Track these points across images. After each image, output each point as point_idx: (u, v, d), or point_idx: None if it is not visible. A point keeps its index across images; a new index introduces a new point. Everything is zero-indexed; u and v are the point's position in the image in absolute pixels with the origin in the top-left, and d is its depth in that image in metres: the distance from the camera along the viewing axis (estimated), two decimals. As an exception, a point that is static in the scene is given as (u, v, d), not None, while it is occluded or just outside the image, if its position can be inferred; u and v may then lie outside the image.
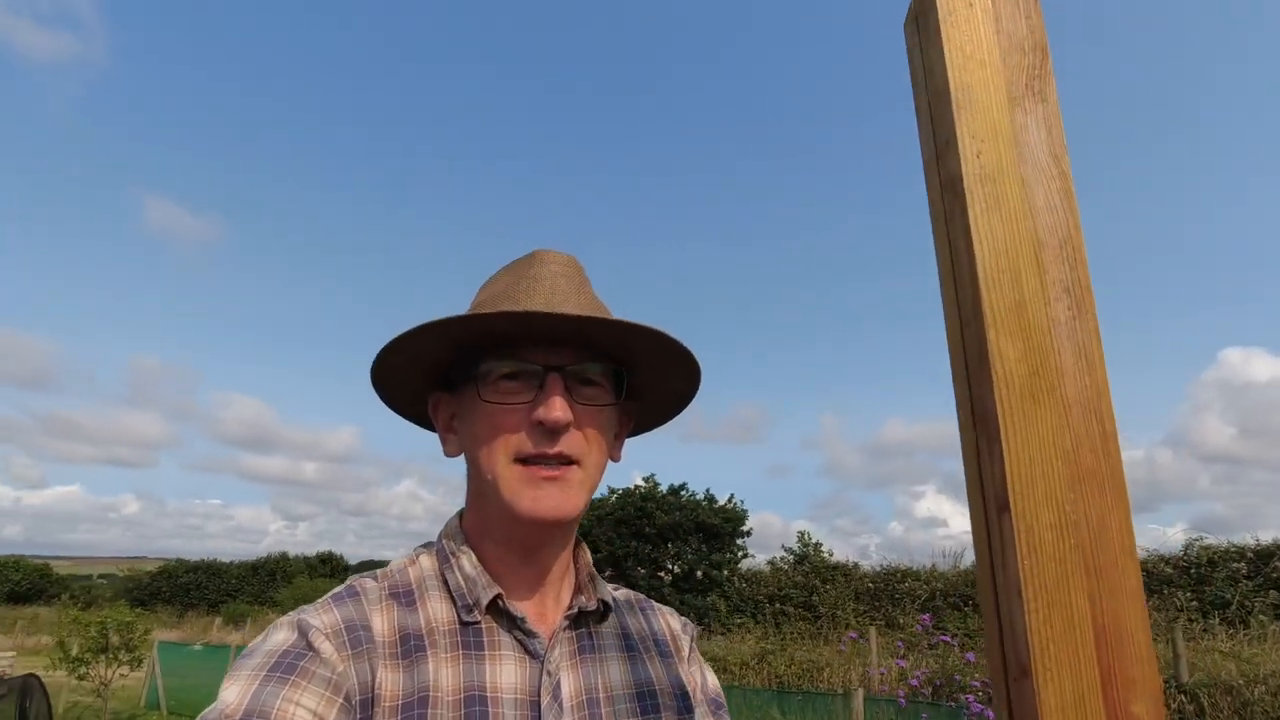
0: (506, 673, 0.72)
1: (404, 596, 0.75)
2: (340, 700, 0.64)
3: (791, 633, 14.45)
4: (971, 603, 14.92)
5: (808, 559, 18.87)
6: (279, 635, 0.67)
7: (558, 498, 0.74)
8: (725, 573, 18.23)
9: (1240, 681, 8.08)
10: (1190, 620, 11.89)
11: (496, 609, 0.75)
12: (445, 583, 0.77)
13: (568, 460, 0.74)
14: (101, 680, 10.19)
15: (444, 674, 0.70)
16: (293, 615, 0.70)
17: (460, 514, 0.85)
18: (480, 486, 0.77)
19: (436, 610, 0.74)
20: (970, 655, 4.13)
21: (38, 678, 6.82)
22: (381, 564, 0.81)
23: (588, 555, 0.87)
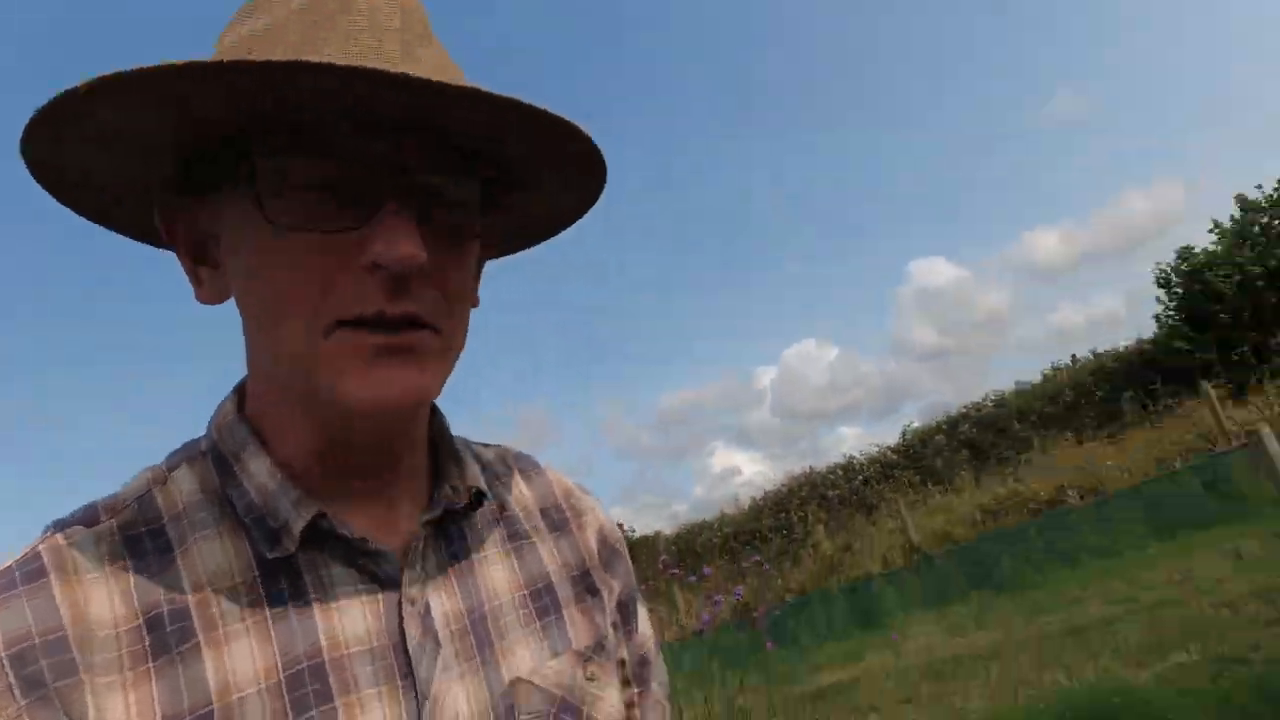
0: (351, 619, 0.49)
1: (150, 544, 0.48)
2: None
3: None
4: (759, 536, 16.58)
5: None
6: None
7: (412, 378, 0.48)
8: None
9: (947, 529, 10.22)
10: (914, 490, 14.47)
11: (319, 533, 0.50)
12: (229, 505, 0.51)
13: (419, 324, 0.49)
14: None
15: (242, 655, 0.46)
16: None
17: (239, 393, 0.57)
18: (272, 362, 0.51)
19: (212, 555, 0.49)
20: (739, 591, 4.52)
21: None
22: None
23: (445, 422, 0.61)
